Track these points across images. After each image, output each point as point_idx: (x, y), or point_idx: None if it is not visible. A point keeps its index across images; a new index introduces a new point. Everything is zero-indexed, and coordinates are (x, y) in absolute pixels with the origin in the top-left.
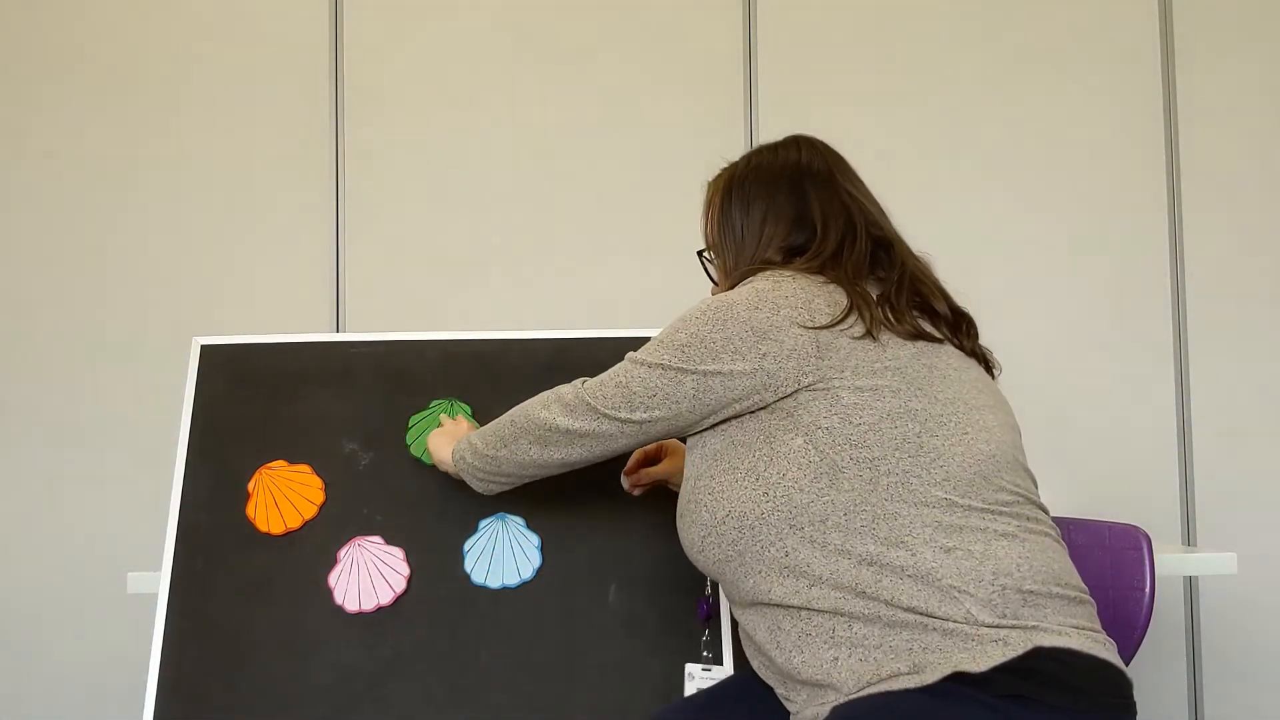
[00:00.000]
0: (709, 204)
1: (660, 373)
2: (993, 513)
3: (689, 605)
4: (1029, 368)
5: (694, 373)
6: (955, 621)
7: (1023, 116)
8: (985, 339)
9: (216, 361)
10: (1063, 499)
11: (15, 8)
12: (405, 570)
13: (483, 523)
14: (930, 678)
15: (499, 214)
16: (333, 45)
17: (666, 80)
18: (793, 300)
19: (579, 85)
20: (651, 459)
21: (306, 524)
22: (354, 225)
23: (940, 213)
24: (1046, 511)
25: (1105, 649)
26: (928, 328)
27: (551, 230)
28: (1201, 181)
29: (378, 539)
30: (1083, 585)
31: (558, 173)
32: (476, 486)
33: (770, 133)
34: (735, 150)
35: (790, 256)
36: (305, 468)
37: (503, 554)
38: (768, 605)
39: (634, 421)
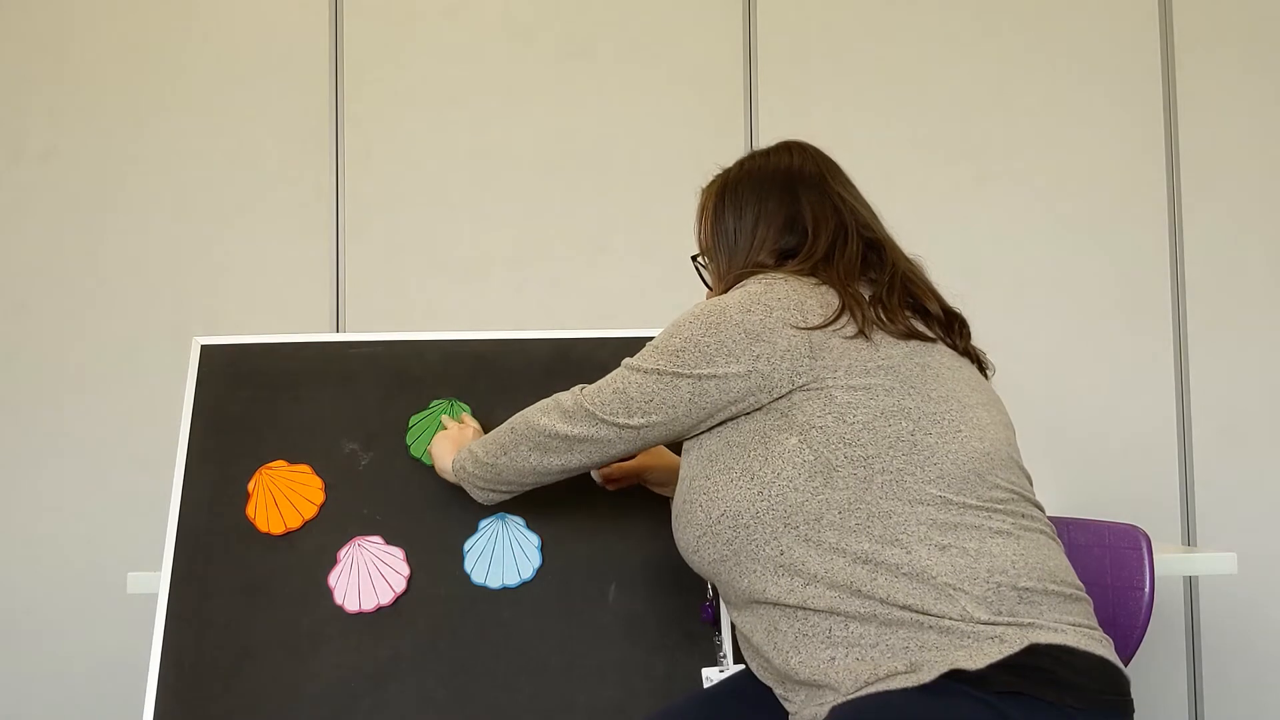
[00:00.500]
0: (702, 209)
1: (656, 378)
2: (987, 510)
3: (689, 605)
4: (1029, 367)
5: (689, 377)
6: (951, 619)
7: (1022, 116)
8: (985, 339)
9: (216, 361)
10: (1063, 499)
11: (15, 8)
12: (405, 570)
13: (483, 523)
14: (927, 676)
15: (499, 214)
16: (333, 45)
17: (666, 80)
18: (785, 302)
19: (579, 85)
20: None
21: (306, 524)
22: (354, 225)
23: (940, 213)
24: (1042, 509)
25: (1102, 646)
26: (920, 327)
27: (551, 230)
28: (1201, 181)
29: (378, 539)
30: (1079, 582)
31: (558, 173)
32: (476, 496)
33: (770, 133)
34: (736, 150)
35: (782, 259)
36: (305, 468)
37: (503, 554)
38: (764, 605)
39: (631, 426)
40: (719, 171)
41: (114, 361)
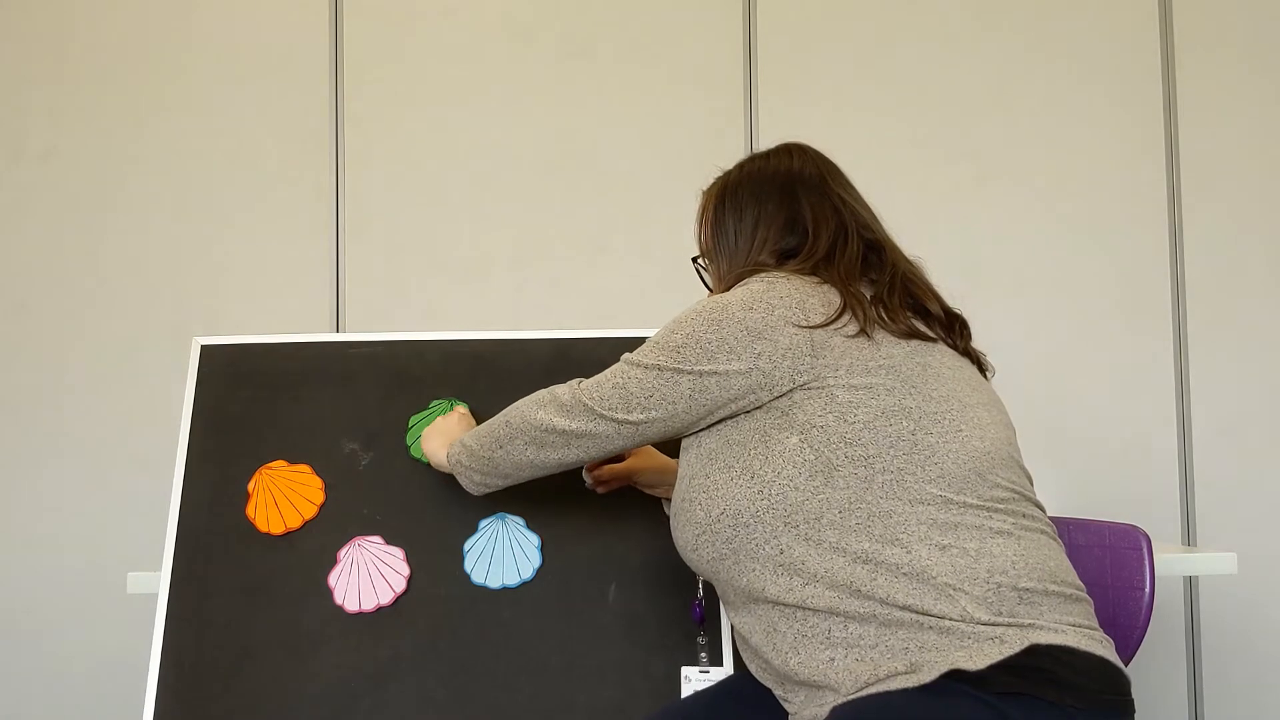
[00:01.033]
0: (703, 211)
1: (656, 374)
2: (988, 510)
3: (689, 605)
4: (1029, 368)
5: (690, 373)
6: (951, 620)
7: (1023, 117)
8: (985, 339)
9: (216, 361)
10: (1063, 499)
11: (15, 7)
12: (405, 570)
13: (483, 523)
14: (928, 677)
15: (499, 214)
16: (333, 45)
17: (666, 80)
18: (787, 300)
19: (579, 85)
20: (617, 455)
21: (306, 524)
22: (354, 225)
23: (940, 213)
24: (1042, 509)
25: (1102, 646)
26: (921, 327)
27: (551, 230)
28: (1201, 181)
29: (378, 539)
30: (1079, 583)
31: (558, 173)
32: (469, 487)
33: (770, 133)
34: (736, 151)
35: (783, 260)
36: (305, 468)
37: (503, 554)
38: (762, 604)
39: (630, 422)
40: (719, 174)
41: (114, 361)
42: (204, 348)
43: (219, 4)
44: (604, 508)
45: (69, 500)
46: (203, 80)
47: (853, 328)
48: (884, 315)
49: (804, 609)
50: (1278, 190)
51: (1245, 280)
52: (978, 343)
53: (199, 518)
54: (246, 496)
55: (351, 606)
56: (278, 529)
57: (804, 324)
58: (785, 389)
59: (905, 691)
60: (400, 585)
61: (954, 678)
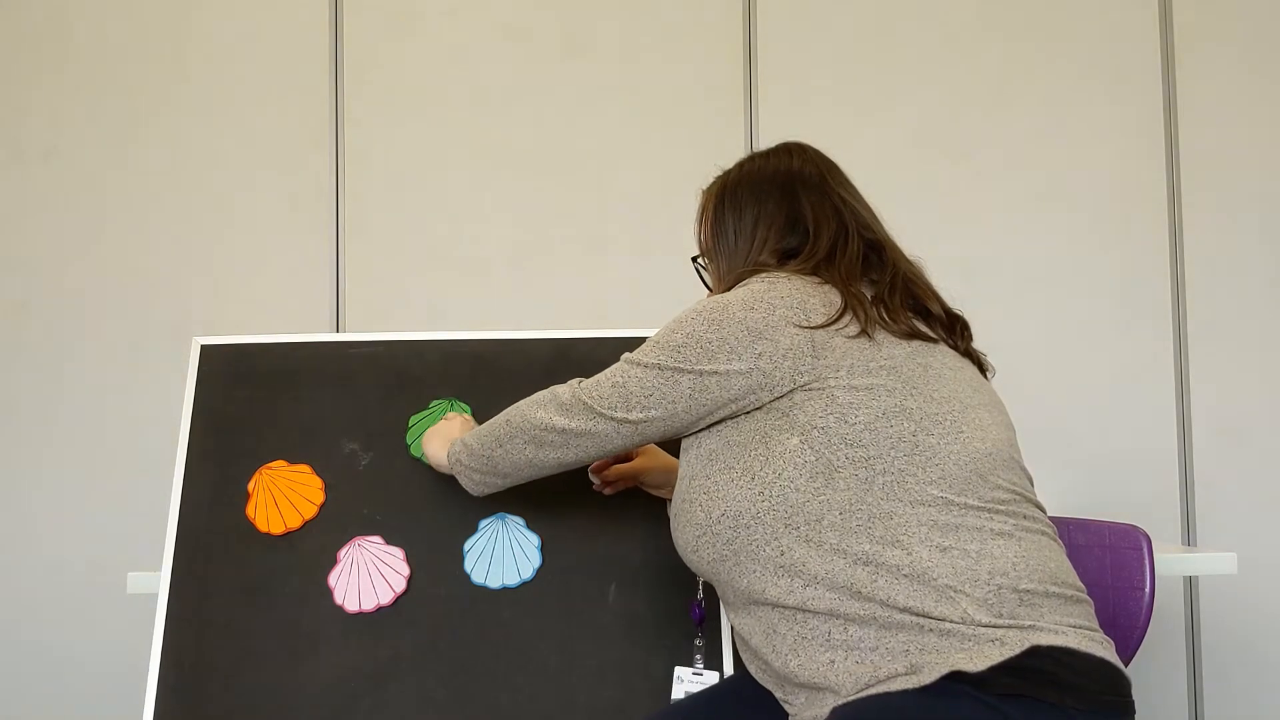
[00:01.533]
0: (702, 211)
1: (657, 373)
2: (989, 511)
3: (689, 606)
4: (1029, 368)
5: (690, 373)
6: (952, 621)
7: (1022, 117)
8: (985, 339)
9: (216, 361)
10: (1063, 499)
11: (15, 7)
12: (405, 570)
13: (483, 523)
14: (928, 678)
15: (499, 214)
16: (333, 45)
17: (666, 80)
18: (788, 300)
19: (579, 85)
20: (623, 455)
21: (306, 524)
22: (354, 225)
23: (940, 213)
24: (1043, 510)
25: (1103, 648)
26: (922, 327)
27: (551, 230)
28: (1201, 181)
29: (378, 539)
30: (1080, 584)
31: (558, 173)
32: (470, 488)
33: (770, 133)
34: (736, 150)
35: (784, 260)
36: (305, 468)
37: (503, 554)
38: (762, 605)
39: (630, 421)
40: (719, 174)
41: (114, 361)
42: (204, 348)
43: (219, 4)
44: (604, 508)
45: (69, 500)
46: (203, 80)
47: (854, 328)
48: (885, 316)
49: (804, 611)
50: (1278, 190)
51: (1245, 280)
52: (978, 343)
53: (199, 518)
54: (246, 496)
55: (351, 606)
56: (278, 529)
57: (805, 324)
58: (786, 389)
59: (906, 693)
60: (400, 585)
61: (954, 679)
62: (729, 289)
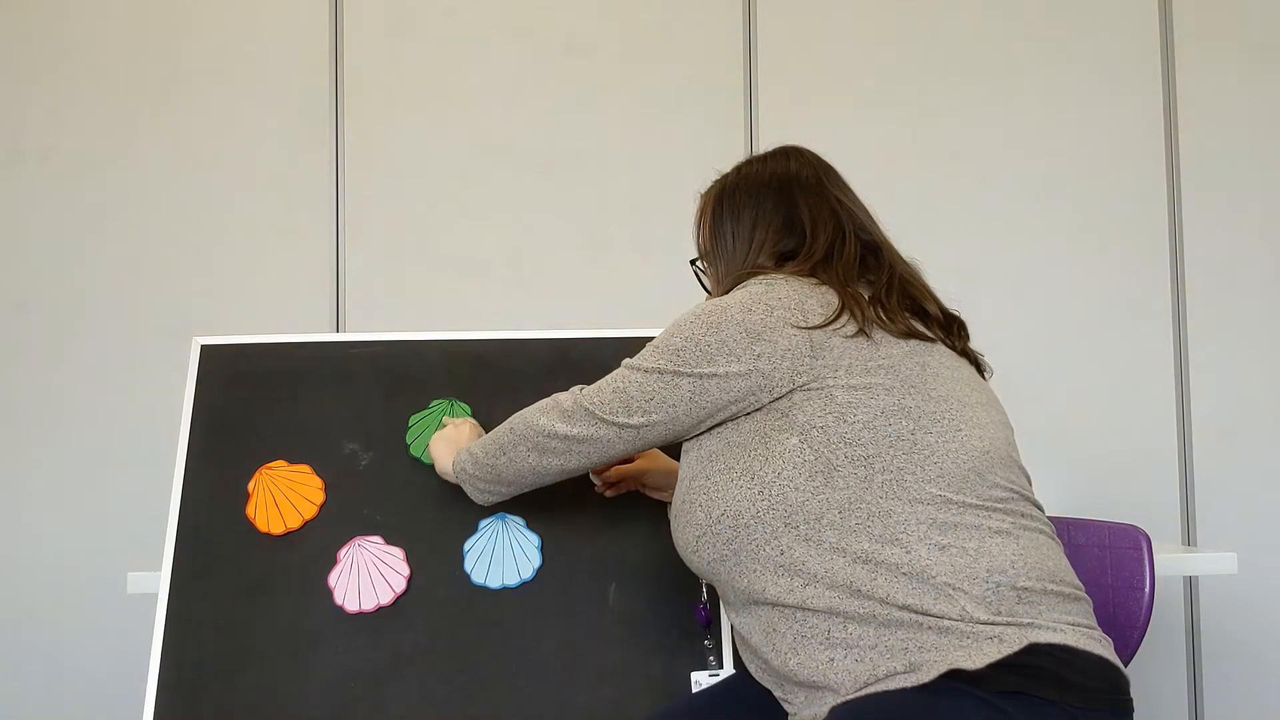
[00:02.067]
0: (701, 214)
1: (657, 377)
2: (987, 509)
3: (689, 606)
4: (1029, 368)
5: (690, 376)
6: (951, 619)
7: (1022, 117)
8: (985, 339)
9: (216, 361)
10: (1063, 499)
11: (14, 7)
12: (405, 570)
13: (483, 523)
14: (927, 676)
15: (499, 214)
16: (333, 45)
17: (666, 80)
18: (786, 302)
19: (579, 85)
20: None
21: (306, 524)
22: (354, 225)
23: (939, 213)
24: (1041, 508)
25: (1101, 646)
26: (919, 327)
27: (551, 230)
28: (1201, 181)
29: (378, 539)
30: (1078, 582)
31: (558, 173)
32: (475, 497)
33: (770, 133)
34: (735, 151)
35: (781, 262)
36: (305, 468)
37: (503, 554)
38: (762, 605)
39: (631, 426)
40: (717, 177)
41: (114, 361)
42: (204, 348)
43: (219, 4)
44: (604, 508)
45: (69, 500)
46: (203, 80)
47: (851, 328)
48: (882, 315)
49: (803, 610)
50: (1278, 190)
51: (1245, 280)
52: (977, 342)
53: (199, 518)
54: (246, 496)
55: (351, 606)
56: (278, 529)
57: (803, 325)
58: (785, 390)
59: (904, 691)
60: (400, 585)
61: (953, 677)
62: (727, 292)
